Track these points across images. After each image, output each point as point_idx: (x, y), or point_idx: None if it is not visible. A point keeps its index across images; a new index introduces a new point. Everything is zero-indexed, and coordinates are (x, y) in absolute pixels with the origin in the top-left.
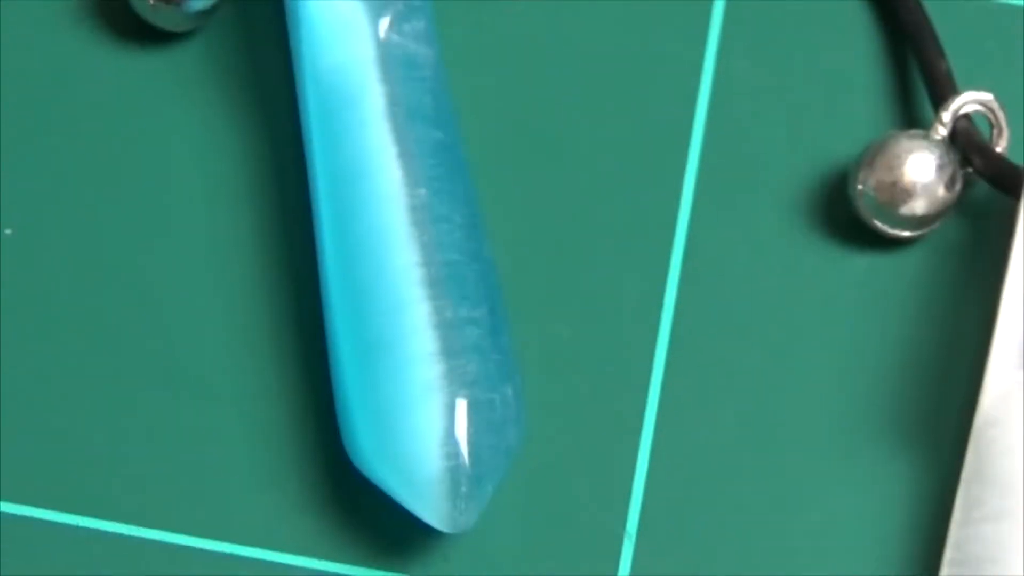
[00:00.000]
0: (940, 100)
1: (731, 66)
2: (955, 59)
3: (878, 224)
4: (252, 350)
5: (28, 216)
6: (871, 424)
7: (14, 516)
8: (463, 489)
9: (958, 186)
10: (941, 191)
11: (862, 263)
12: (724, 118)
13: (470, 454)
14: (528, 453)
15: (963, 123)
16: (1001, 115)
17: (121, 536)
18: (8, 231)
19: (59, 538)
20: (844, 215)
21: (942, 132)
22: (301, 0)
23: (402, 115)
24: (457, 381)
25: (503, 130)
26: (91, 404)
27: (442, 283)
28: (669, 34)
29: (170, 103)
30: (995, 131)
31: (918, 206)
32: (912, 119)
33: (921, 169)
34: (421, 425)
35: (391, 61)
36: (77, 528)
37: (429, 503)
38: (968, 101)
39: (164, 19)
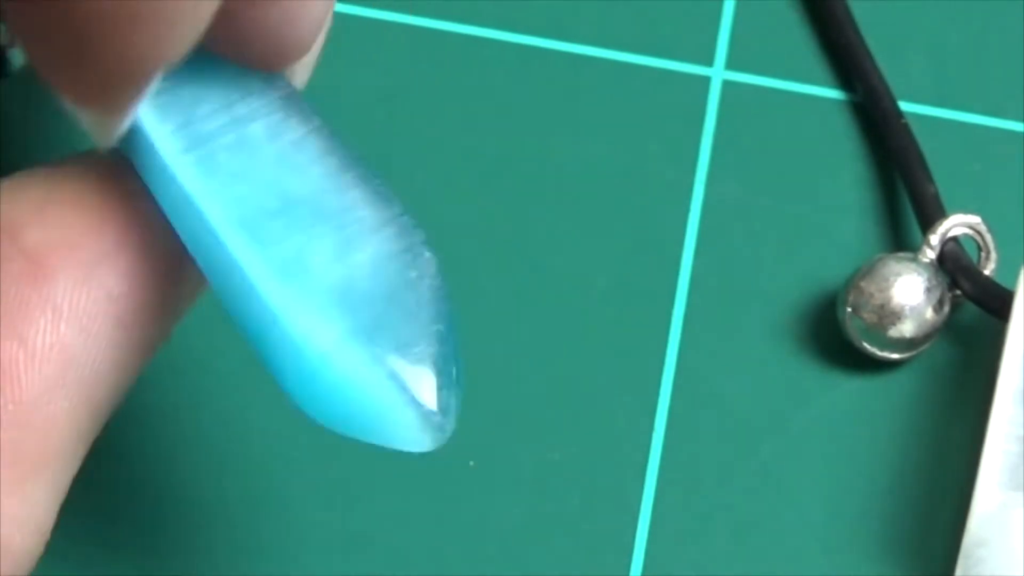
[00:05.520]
0: (928, 223)
1: (721, 190)
2: (943, 183)
3: (867, 346)
4: None
5: None
6: (860, 544)
7: None
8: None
9: (946, 308)
10: (929, 313)
11: (851, 385)
12: (714, 241)
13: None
14: None
15: (951, 246)
16: (988, 238)
17: None
18: None
19: None
20: (833, 338)
21: (930, 255)
22: None
23: None
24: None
25: (494, 253)
26: None
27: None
28: (659, 158)
29: None
30: (983, 254)
31: (906, 328)
32: (900, 242)
33: (909, 292)
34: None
35: None
36: None
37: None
38: (956, 224)
39: None
